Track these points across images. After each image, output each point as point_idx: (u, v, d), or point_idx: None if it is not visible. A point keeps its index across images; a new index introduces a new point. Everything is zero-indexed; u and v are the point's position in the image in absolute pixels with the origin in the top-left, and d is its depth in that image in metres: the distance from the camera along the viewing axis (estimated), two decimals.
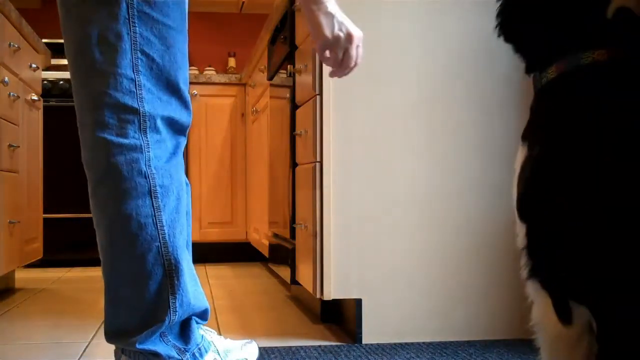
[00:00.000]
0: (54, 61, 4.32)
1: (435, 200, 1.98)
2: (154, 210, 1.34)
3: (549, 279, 0.83)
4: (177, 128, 1.41)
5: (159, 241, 1.34)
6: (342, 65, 1.48)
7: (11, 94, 2.68)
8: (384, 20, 1.96)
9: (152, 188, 1.34)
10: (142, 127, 1.35)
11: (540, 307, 0.85)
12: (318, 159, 1.95)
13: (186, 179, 1.55)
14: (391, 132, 1.96)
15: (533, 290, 0.86)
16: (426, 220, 1.97)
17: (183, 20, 1.41)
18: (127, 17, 1.33)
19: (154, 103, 1.36)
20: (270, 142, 3.07)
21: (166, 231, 1.35)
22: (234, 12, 4.99)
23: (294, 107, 2.32)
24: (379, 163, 1.95)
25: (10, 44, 2.68)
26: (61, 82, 4.06)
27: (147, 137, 1.35)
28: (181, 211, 1.40)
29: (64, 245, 3.97)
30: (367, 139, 1.95)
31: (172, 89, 1.39)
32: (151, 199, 1.34)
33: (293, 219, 2.33)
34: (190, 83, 4.19)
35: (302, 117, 2.16)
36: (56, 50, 4.38)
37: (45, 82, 3.94)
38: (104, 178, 1.35)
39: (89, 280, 3.48)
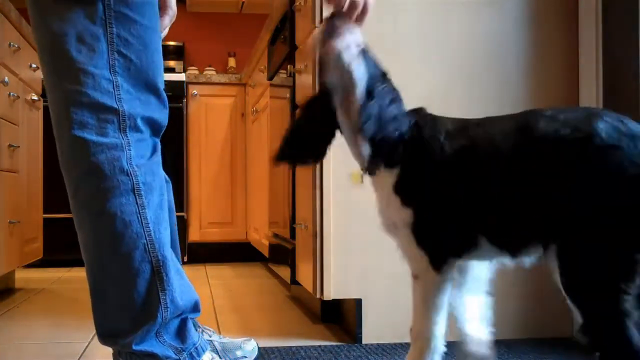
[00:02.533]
0: None
1: None
2: (138, 208, 1.33)
3: (432, 245, 1.25)
4: (155, 128, 1.41)
5: (145, 238, 1.33)
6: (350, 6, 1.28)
7: (11, 94, 2.68)
8: (384, 20, 1.96)
9: (135, 185, 1.33)
10: (121, 126, 1.34)
11: (422, 263, 1.25)
12: None
13: (165, 175, 1.54)
14: None
15: (417, 254, 1.26)
16: None
17: (156, 18, 1.40)
18: (103, 17, 1.32)
19: (133, 103, 1.35)
20: (270, 142, 3.07)
21: (151, 228, 1.34)
22: (234, 12, 4.99)
23: (294, 107, 2.31)
24: None
25: (10, 44, 2.68)
26: None
27: (127, 136, 1.34)
28: (164, 207, 1.39)
29: (64, 245, 3.94)
30: None
31: (151, 88, 1.38)
32: (135, 196, 1.33)
33: (293, 219, 2.33)
34: (190, 83, 4.20)
35: None
36: None
37: None
38: (85, 177, 1.34)
39: None
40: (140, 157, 1.35)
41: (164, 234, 1.37)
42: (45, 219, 3.43)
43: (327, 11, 1.92)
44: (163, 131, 1.44)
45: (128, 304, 1.35)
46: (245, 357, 1.63)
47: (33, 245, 3.13)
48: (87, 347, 1.95)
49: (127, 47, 1.34)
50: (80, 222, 1.37)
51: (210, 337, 1.64)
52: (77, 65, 1.32)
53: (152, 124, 1.39)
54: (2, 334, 2.15)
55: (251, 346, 1.66)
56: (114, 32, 1.33)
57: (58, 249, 3.86)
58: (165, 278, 1.35)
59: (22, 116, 2.90)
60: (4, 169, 2.60)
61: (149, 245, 1.34)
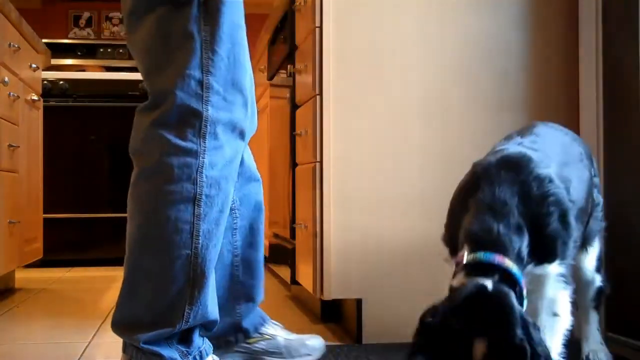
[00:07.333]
0: (54, 61, 4.31)
1: (435, 199, 1.97)
2: (194, 218, 1.32)
3: None
4: (238, 132, 1.39)
5: (191, 250, 1.32)
6: None
7: (11, 94, 2.68)
8: (385, 20, 1.96)
9: (197, 196, 1.32)
10: (202, 131, 1.32)
11: None
12: (318, 159, 1.95)
13: (258, 174, 1.58)
14: (391, 132, 1.96)
15: None
16: (426, 220, 1.96)
17: (242, 14, 1.40)
18: (198, 15, 1.32)
19: (219, 105, 1.34)
20: (270, 142, 3.07)
21: (201, 241, 1.33)
22: None
23: (294, 107, 2.31)
24: (379, 163, 1.95)
25: (10, 44, 2.68)
26: (61, 82, 4.05)
27: (204, 143, 1.33)
28: (221, 224, 1.37)
29: (64, 245, 3.96)
30: (366, 138, 1.95)
31: (237, 87, 1.37)
32: (194, 206, 1.32)
33: (293, 219, 2.33)
34: None
35: (302, 117, 2.16)
36: (56, 50, 4.38)
37: (45, 82, 3.93)
38: (152, 174, 1.33)
39: (89, 280, 3.48)
40: (213, 167, 1.34)
41: (212, 250, 1.36)
42: (45, 219, 3.43)
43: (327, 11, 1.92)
44: (248, 134, 1.42)
45: (154, 305, 1.34)
46: (310, 354, 1.62)
47: (33, 245, 3.13)
48: (87, 347, 1.94)
49: (219, 45, 1.33)
50: (132, 212, 1.37)
51: (275, 331, 1.64)
52: (168, 65, 1.33)
53: (233, 128, 1.37)
54: (2, 334, 2.15)
55: (315, 343, 1.66)
56: (208, 30, 1.32)
57: (58, 249, 3.86)
58: (196, 294, 1.34)
59: (22, 116, 2.90)
60: (4, 169, 2.60)
61: (193, 258, 1.33)
